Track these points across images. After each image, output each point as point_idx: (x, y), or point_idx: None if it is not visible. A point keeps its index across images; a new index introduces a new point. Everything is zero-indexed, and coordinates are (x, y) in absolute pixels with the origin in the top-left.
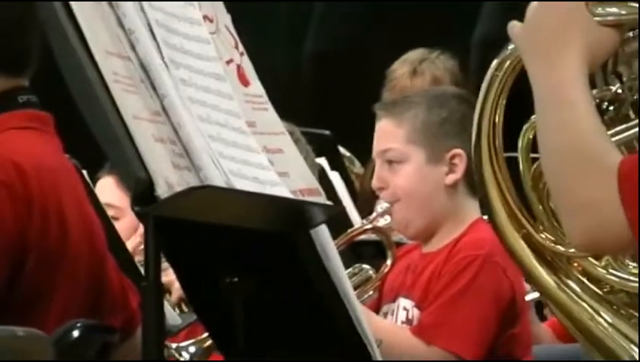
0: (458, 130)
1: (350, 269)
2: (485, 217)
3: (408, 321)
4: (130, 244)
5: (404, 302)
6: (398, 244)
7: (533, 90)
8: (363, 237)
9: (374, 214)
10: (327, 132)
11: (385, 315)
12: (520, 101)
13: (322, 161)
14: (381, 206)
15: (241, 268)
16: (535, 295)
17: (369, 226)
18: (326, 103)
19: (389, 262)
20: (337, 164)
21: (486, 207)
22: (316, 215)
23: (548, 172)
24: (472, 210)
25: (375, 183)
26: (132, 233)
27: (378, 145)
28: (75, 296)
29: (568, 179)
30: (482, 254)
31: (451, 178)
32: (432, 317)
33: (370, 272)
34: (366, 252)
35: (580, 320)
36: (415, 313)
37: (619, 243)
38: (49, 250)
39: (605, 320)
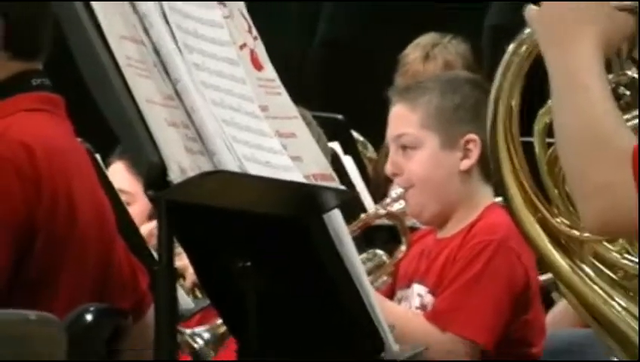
0: (472, 116)
1: (364, 254)
2: (499, 200)
3: (422, 307)
4: (144, 230)
5: (418, 288)
6: (412, 229)
7: (549, 74)
8: (376, 222)
9: (388, 199)
10: (339, 116)
11: (399, 301)
12: (536, 85)
13: (335, 146)
14: (395, 191)
15: (253, 252)
16: (547, 276)
17: (383, 212)
18: (338, 88)
19: (403, 247)
20: (350, 148)
21: (502, 191)
22: (329, 200)
23: (563, 155)
24: (486, 195)
25: (389, 168)
26: (143, 218)
27: (392, 130)
28: (83, 279)
29: (583, 162)
30: (496, 239)
31: (466, 163)
32: (446, 302)
33: (384, 258)
34: (378, 237)
35: (594, 304)
36: (429, 299)
37: (633, 226)
38: (57, 232)
39: (619, 304)
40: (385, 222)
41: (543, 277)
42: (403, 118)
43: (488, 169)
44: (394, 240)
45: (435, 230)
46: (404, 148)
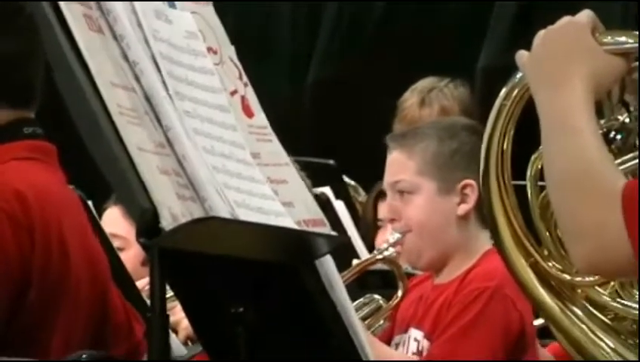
0: (469, 162)
1: (361, 299)
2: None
3: (419, 352)
4: (141, 284)
5: (415, 333)
6: (409, 275)
7: (540, 117)
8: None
9: (385, 245)
10: (331, 161)
11: (396, 345)
12: (528, 129)
13: (327, 190)
14: (392, 236)
15: (246, 298)
16: (540, 321)
17: (380, 257)
18: (329, 132)
19: (399, 292)
20: (342, 193)
21: (493, 235)
22: (321, 245)
23: (553, 197)
24: (483, 240)
25: (387, 214)
26: (138, 263)
27: (389, 176)
28: (77, 326)
29: (573, 203)
30: (492, 286)
31: (463, 208)
32: (441, 349)
33: (381, 302)
34: (373, 281)
35: (584, 346)
36: (425, 344)
37: (623, 267)
38: (51, 280)
39: (608, 345)
40: (377, 266)
41: (537, 322)
42: (400, 165)
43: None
44: (388, 285)
45: (432, 275)
46: (401, 193)
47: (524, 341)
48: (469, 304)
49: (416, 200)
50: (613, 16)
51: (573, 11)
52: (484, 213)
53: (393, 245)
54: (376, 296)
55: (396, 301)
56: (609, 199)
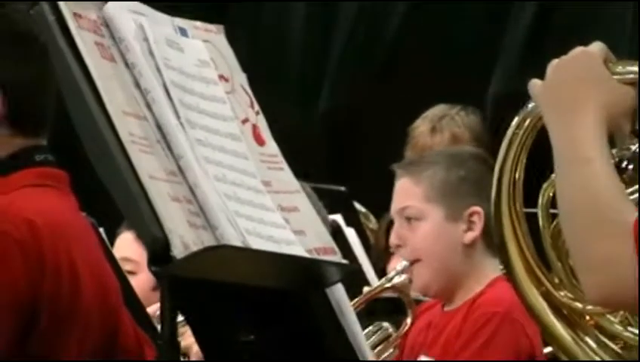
0: (476, 189)
1: (370, 327)
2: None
3: None
4: (151, 310)
5: (424, 360)
6: (417, 302)
7: (553, 146)
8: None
9: (393, 273)
10: (342, 188)
11: None
12: (541, 158)
13: (338, 218)
14: (400, 264)
15: (257, 326)
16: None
17: (388, 285)
18: (341, 159)
19: (409, 320)
20: (353, 220)
21: (505, 263)
22: (332, 274)
23: (566, 228)
24: (491, 268)
25: (393, 240)
26: (149, 288)
27: (397, 203)
28: (88, 352)
29: (585, 235)
30: (501, 311)
31: (470, 236)
32: None
33: (390, 330)
34: (381, 308)
35: None
36: None
37: (634, 300)
38: (62, 307)
39: None
40: (390, 294)
41: (546, 350)
42: (407, 191)
43: (493, 242)
44: (397, 312)
45: (441, 301)
46: (408, 220)
47: None
48: (478, 330)
49: (423, 227)
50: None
51: (585, 39)
52: (491, 241)
53: (401, 272)
54: (385, 324)
55: (405, 328)
56: (621, 232)
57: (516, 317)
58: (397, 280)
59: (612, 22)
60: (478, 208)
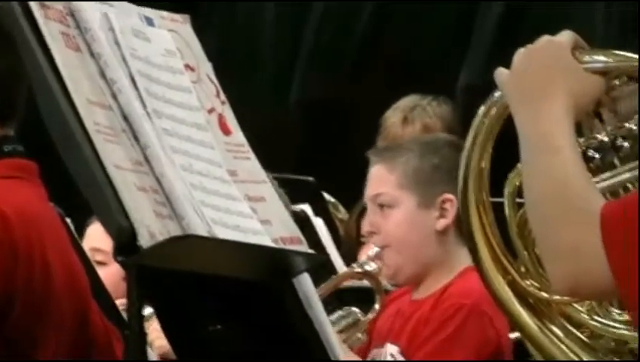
0: (450, 177)
1: (339, 312)
2: None
3: None
4: (119, 302)
5: (391, 348)
6: (387, 292)
7: (519, 136)
8: (349, 284)
9: (364, 258)
10: (310, 178)
11: (373, 360)
12: (506, 146)
13: (306, 207)
14: (372, 250)
15: (224, 316)
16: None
17: (358, 270)
18: (311, 150)
19: (377, 306)
20: (321, 210)
21: (472, 252)
22: (299, 263)
23: (532, 217)
24: (462, 257)
25: (366, 227)
26: (120, 278)
27: (370, 189)
28: (60, 345)
29: (552, 224)
30: (469, 303)
31: (442, 223)
32: None
33: (359, 315)
34: (353, 298)
35: None
36: (401, 359)
37: (601, 289)
38: (35, 296)
39: None
40: (357, 283)
41: (513, 335)
42: (381, 179)
43: None
44: (369, 301)
45: (411, 290)
46: (381, 207)
47: (502, 358)
48: (445, 320)
49: (396, 215)
50: (595, 29)
51: (555, 28)
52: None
53: (372, 259)
54: (355, 309)
55: (374, 315)
56: (587, 220)
57: (484, 310)
58: (371, 267)
59: (582, 21)
60: (450, 196)
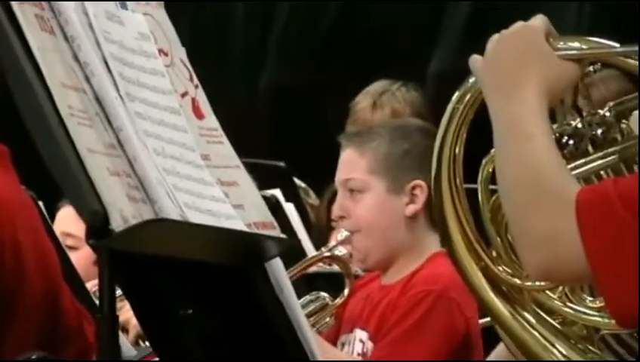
0: (420, 163)
1: (308, 296)
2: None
3: (363, 354)
4: (89, 285)
5: (360, 334)
6: (357, 277)
7: (493, 123)
8: (320, 269)
9: (333, 242)
10: (281, 163)
11: (342, 345)
12: (480, 133)
13: (277, 193)
14: (341, 234)
15: (196, 300)
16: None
17: (327, 254)
18: (282, 135)
19: (346, 291)
20: (292, 195)
21: (445, 238)
22: (270, 248)
23: (506, 204)
24: (431, 243)
25: (336, 212)
26: (90, 263)
27: (340, 174)
28: (31, 327)
29: (526, 211)
30: (437, 289)
31: (411, 209)
32: (384, 351)
33: (327, 300)
34: (323, 284)
35: (536, 353)
36: (370, 346)
37: (576, 275)
38: (5, 282)
39: (561, 354)
40: (327, 268)
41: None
42: (351, 163)
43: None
44: (335, 288)
45: (380, 275)
46: (351, 191)
47: (470, 344)
48: (413, 306)
49: (366, 199)
50: (568, 23)
51: (527, 16)
52: (433, 215)
53: (341, 243)
54: (323, 294)
55: (342, 299)
56: (562, 207)
57: (453, 296)
58: (341, 252)
59: (554, 11)
60: (420, 182)
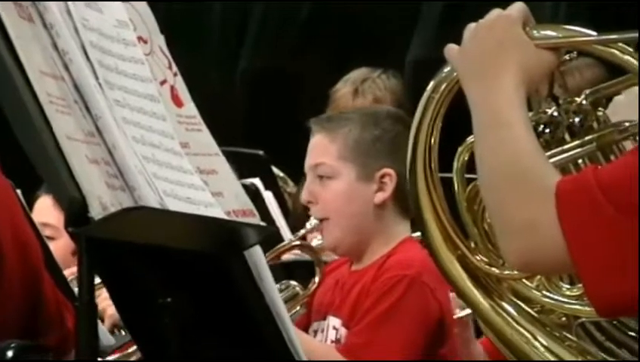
0: (390, 150)
1: (277, 285)
2: (415, 235)
3: (337, 340)
4: (67, 272)
5: (333, 321)
6: (326, 263)
7: (472, 112)
8: (296, 257)
9: (303, 231)
10: (260, 152)
11: (315, 333)
12: (455, 122)
13: (256, 181)
14: (310, 222)
15: (174, 288)
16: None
17: (297, 242)
18: (260, 123)
19: (316, 279)
20: (271, 183)
21: (420, 228)
22: (250, 236)
23: (486, 193)
24: (401, 229)
25: (305, 197)
26: (68, 253)
27: (310, 159)
28: (10, 315)
29: (506, 199)
30: (410, 274)
31: (380, 197)
32: (358, 337)
33: (298, 289)
34: (298, 273)
35: (515, 344)
36: (343, 332)
37: (556, 265)
38: None
39: (541, 344)
40: (304, 257)
41: (462, 313)
42: (321, 148)
43: (404, 204)
44: (309, 276)
45: (349, 260)
46: (320, 177)
47: (444, 329)
48: (386, 292)
49: (335, 186)
50: (543, 15)
51: (505, 4)
52: (403, 202)
53: (311, 231)
54: (293, 283)
55: (313, 287)
56: (542, 196)
57: (425, 281)
58: (306, 238)
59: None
60: (389, 170)
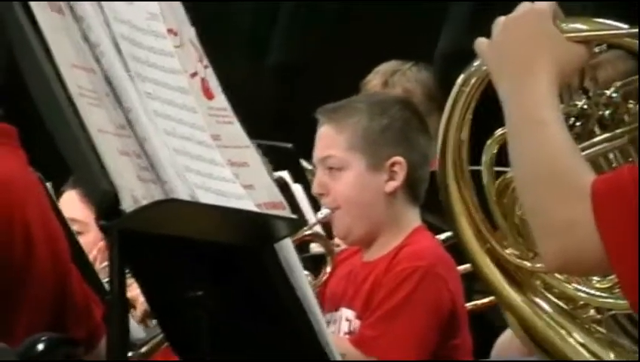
0: (399, 138)
1: None
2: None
3: (351, 333)
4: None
5: (346, 313)
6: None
7: (504, 109)
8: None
9: (314, 221)
10: (289, 145)
11: (327, 324)
12: (483, 115)
13: (285, 174)
14: (321, 212)
15: (205, 281)
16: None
17: (309, 232)
18: (289, 116)
19: (328, 269)
20: (300, 177)
21: (451, 222)
22: (280, 228)
23: (522, 192)
24: (412, 218)
25: (316, 189)
26: (96, 247)
27: (318, 151)
28: (41, 309)
29: (542, 199)
30: (423, 266)
31: (391, 185)
32: (371, 328)
33: (310, 278)
34: (309, 265)
35: (551, 341)
36: (357, 324)
37: (593, 265)
38: (15, 263)
39: (576, 340)
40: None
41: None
42: (329, 140)
43: (415, 192)
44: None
45: (361, 250)
46: (330, 169)
47: (457, 320)
48: (400, 283)
49: (345, 177)
50: (571, 8)
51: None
52: (413, 190)
53: (322, 221)
54: (305, 272)
55: (325, 277)
56: (579, 196)
57: (439, 272)
58: (317, 228)
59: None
60: (399, 158)
